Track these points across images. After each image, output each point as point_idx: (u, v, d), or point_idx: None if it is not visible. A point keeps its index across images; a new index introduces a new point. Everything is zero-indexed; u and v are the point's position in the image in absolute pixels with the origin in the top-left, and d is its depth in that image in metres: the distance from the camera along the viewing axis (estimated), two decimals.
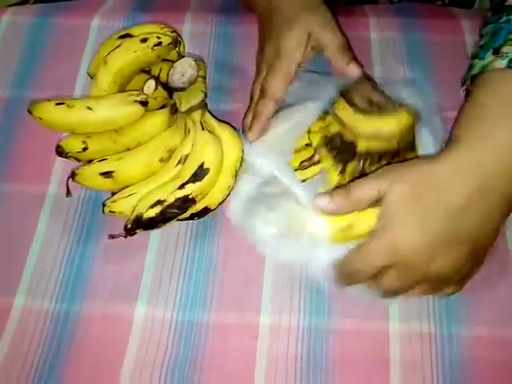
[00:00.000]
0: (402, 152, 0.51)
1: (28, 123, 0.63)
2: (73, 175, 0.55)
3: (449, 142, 0.46)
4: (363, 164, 0.51)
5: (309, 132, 0.56)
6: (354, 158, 0.51)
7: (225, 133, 0.55)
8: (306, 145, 0.57)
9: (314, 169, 0.54)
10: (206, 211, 0.55)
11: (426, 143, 0.51)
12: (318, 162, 0.54)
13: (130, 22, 0.70)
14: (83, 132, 0.55)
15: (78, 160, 0.56)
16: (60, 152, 0.56)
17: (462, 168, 0.44)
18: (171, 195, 0.51)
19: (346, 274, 0.47)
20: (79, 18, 0.71)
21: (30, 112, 0.53)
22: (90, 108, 0.52)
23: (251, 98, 0.59)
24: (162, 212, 0.51)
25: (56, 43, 0.70)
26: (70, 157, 0.56)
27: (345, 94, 0.53)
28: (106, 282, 0.54)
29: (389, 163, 0.50)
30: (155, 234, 0.56)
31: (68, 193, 0.57)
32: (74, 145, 0.55)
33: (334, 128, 0.53)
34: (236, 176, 0.55)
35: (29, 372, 0.50)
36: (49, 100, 0.53)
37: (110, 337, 0.51)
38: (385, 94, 0.53)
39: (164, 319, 0.52)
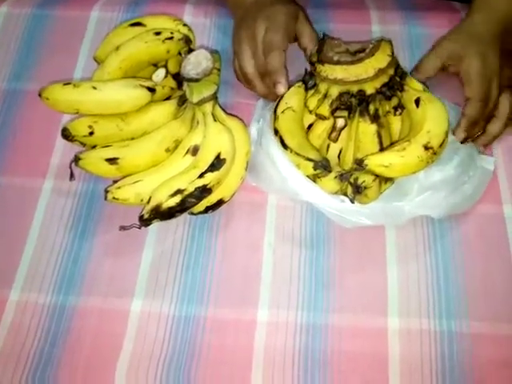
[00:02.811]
0: (402, 79, 0.55)
1: (25, 116, 0.63)
2: (76, 160, 0.54)
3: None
4: (379, 103, 0.54)
5: (310, 112, 0.56)
6: (370, 102, 0.54)
7: (234, 125, 0.55)
8: (308, 127, 0.57)
9: (347, 132, 0.55)
10: (220, 203, 0.55)
11: None
12: (345, 125, 0.55)
13: (129, 13, 0.70)
14: (88, 113, 0.55)
15: (82, 144, 0.56)
16: (66, 135, 0.55)
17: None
18: (191, 184, 0.51)
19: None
20: (77, 10, 0.71)
21: (40, 95, 0.53)
22: (95, 88, 0.53)
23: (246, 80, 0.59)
24: (182, 201, 0.51)
25: (54, 35, 0.69)
26: (76, 140, 0.55)
27: (319, 55, 0.55)
28: (103, 276, 0.54)
29: (400, 105, 0.55)
30: (153, 228, 0.55)
31: (71, 176, 0.56)
32: (80, 128, 0.55)
33: (334, 90, 0.54)
34: (247, 167, 0.55)
35: (25, 364, 0.50)
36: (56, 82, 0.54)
37: (107, 331, 0.51)
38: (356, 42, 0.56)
39: (161, 314, 0.52)
